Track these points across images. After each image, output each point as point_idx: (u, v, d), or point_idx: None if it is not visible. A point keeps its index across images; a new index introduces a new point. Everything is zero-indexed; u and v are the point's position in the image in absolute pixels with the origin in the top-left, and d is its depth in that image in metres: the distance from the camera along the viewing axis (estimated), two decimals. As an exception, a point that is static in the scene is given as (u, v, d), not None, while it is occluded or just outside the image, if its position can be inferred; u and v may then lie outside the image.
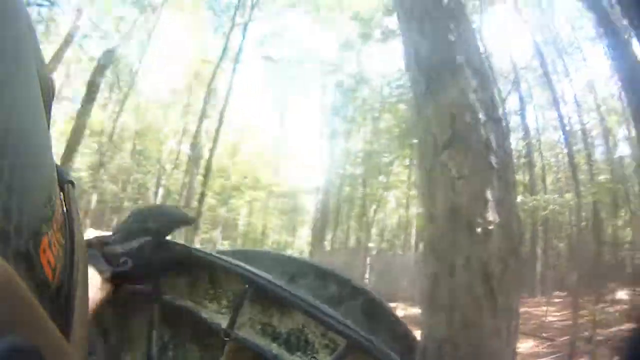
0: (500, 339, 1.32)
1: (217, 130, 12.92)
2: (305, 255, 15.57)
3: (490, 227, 1.35)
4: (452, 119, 1.48)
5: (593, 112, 11.49)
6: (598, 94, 11.23)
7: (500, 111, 1.60)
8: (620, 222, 12.30)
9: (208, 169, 12.67)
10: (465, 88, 1.52)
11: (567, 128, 9.71)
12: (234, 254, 0.93)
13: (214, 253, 0.86)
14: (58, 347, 0.22)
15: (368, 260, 13.12)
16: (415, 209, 13.79)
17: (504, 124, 1.57)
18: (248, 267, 0.82)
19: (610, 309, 7.51)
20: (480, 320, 1.30)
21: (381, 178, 14.67)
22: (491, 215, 1.36)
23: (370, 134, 15.22)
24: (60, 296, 0.25)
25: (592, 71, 10.95)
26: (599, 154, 11.56)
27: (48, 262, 0.23)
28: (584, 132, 9.27)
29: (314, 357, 0.80)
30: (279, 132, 19.20)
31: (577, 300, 7.31)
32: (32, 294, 0.19)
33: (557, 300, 9.79)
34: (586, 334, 6.38)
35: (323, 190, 16.58)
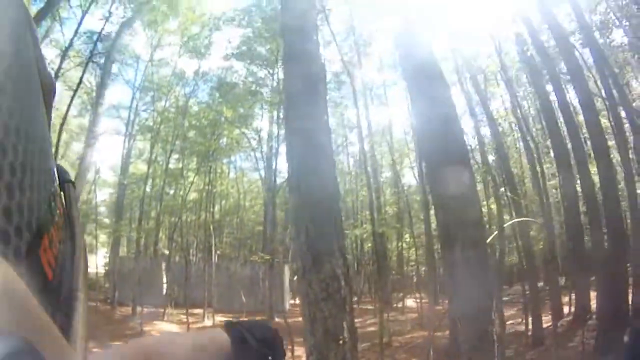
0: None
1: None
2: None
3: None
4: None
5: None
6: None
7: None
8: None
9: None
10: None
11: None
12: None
13: None
14: (58, 348, 0.22)
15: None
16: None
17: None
18: None
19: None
20: None
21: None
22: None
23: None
24: (61, 296, 0.25)
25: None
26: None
27: (48, 262, 0.23)
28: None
29: None
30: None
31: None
32: (32, 294, 0.19)
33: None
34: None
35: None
